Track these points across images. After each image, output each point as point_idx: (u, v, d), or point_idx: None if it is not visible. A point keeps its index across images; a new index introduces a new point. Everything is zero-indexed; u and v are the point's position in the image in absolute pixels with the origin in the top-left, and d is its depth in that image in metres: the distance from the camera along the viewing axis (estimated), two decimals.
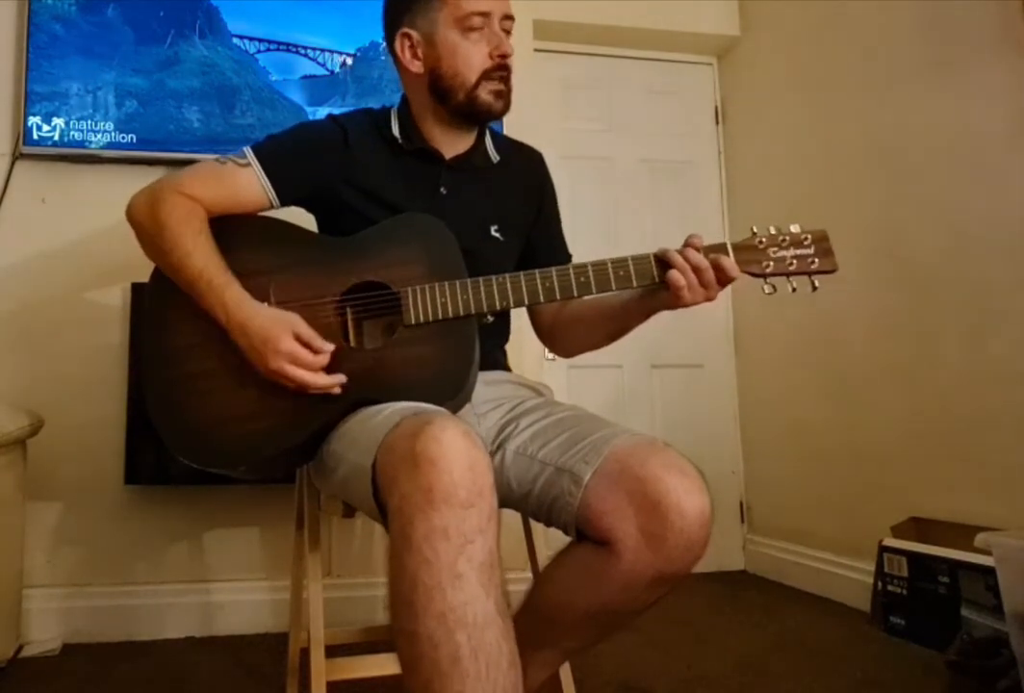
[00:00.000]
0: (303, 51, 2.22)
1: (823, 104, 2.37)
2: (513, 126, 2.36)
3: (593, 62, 2.80)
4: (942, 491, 1.91)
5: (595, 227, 2.69)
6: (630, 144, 2.82)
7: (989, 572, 1.57)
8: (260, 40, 2.19)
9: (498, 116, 1.22)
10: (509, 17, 1.21)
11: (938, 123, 1.95)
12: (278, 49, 2.20)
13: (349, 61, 2.24)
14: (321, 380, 1.06)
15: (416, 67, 1.22)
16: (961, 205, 1.89)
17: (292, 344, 1.05)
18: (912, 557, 1.85)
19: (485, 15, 1.17)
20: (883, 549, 1.94)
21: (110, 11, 2.09)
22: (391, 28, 1.25)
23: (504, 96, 1.20)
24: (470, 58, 1.18)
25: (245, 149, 1.21)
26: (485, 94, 1.19)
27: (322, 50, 2.22)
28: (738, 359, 2.80)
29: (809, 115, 2.43)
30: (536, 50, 2.58)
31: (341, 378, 1.08)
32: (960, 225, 1.89)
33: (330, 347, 1.07)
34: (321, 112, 2.20)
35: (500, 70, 1.19)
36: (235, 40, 2.17)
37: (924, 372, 1.98)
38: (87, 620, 1.93)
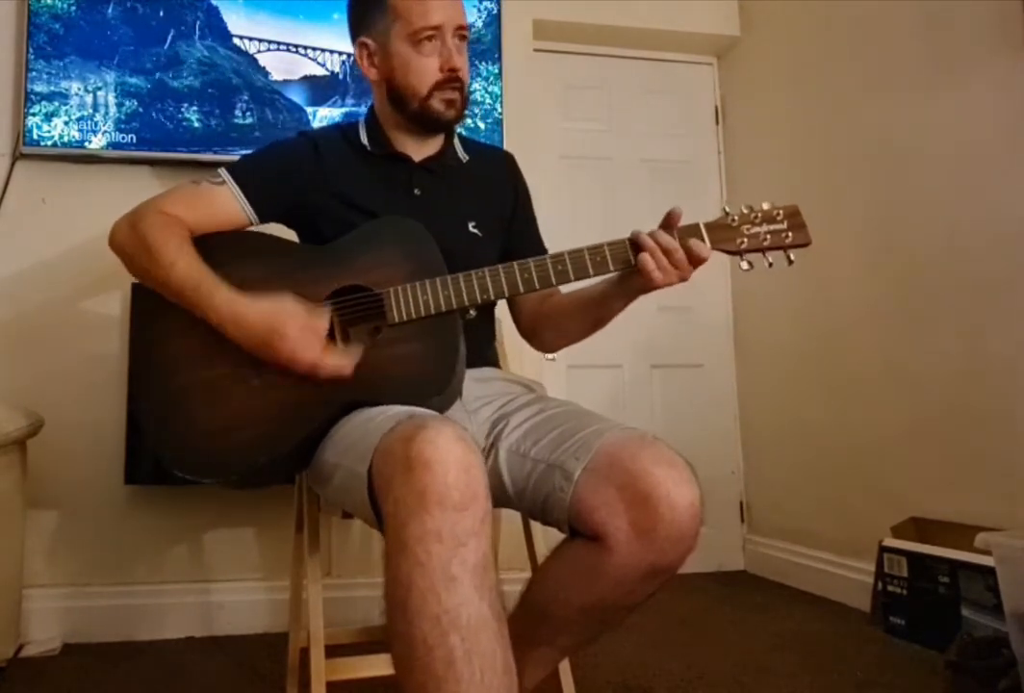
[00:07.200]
0: (303, 51, 2.21)
1: (823, 104, 2.37)
2: (513, 126, 2.36)
3: (593, 62, 2.80)
4: (942, 491, 1.91)
5: (595, 227, 2.66)
6: (630, 144, 2.82)
7: (989, 572, 1.57)
8: (260, 40, 2.19)
9: (450, 124, 1.26)
10: (462, 27, 1.23)
11: (937, 122, 1.95)
12: (278, 49, 2.20)
13: (349, 61, 2.24)
14: (336, 358, 1.07)
15: (373, 75, 1.27)
16: (961, 204, 1.89)
17: (297, 330, 1.06)
18: (912, 557, 1.85)
19: (436, 29, 1.20)
20: (883, 549, 1.94)
21: (110, 11, 2.09)
22: (353, 36, 1.30)
23: (455, 105, 1.24)
24: (421, 71, 1.21)
25: (220, 169, 1.23)
26: (437, 103, 1.22)
27: (322, 50, 2.22)
28: (738, 359, 2.80)
29: (809, 115, 2.43)
30: (536, 50, 2.58)
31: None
32: (960, 224, 1.89)
33: (325, 322, 1.09)
34: (321, 112, 2.20)
35: (451, 82, 1.22)
36: (235, 40, 2.17)
37: (924, 372, 1.98)
38: (87, 620, 1.93)
